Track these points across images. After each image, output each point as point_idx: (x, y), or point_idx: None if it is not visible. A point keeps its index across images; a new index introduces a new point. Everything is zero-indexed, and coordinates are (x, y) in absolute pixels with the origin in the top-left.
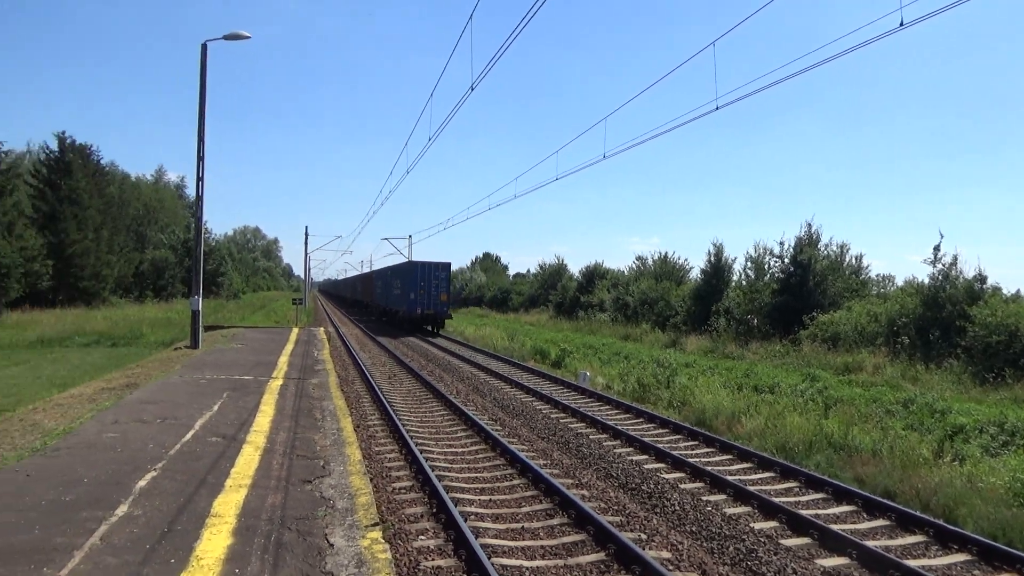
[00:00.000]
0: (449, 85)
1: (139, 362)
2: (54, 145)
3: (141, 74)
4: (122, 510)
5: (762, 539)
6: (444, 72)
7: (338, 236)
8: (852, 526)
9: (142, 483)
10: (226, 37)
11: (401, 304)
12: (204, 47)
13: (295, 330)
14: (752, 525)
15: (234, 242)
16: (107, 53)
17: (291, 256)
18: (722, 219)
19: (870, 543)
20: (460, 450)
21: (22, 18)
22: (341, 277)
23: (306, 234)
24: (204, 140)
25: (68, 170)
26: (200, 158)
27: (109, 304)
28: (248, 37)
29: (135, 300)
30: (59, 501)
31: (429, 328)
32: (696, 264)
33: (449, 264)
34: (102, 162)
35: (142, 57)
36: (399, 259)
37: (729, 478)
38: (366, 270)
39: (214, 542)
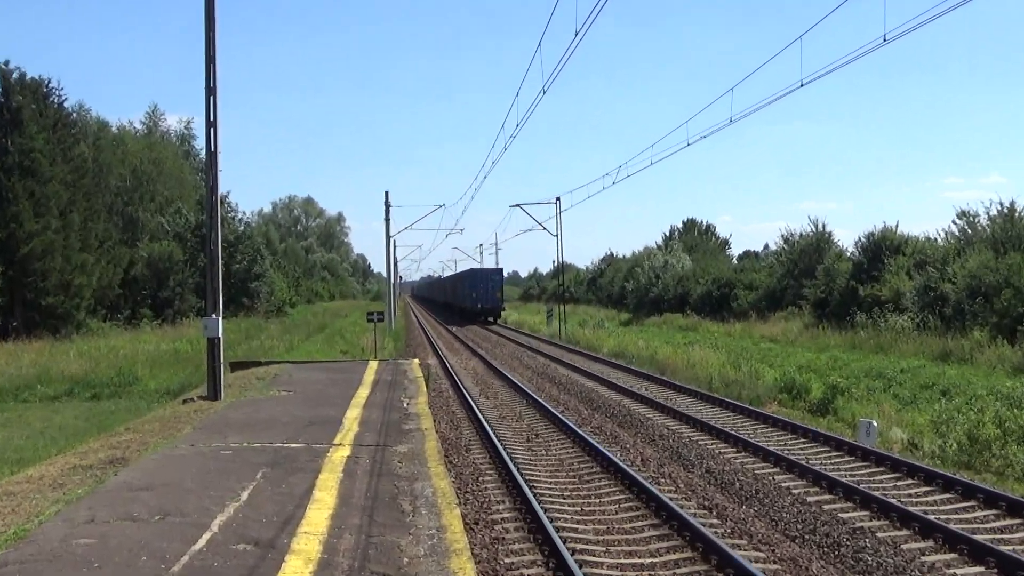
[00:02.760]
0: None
1: (130, 423)
2: None
3: None
4: None
5: None
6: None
7: (439, 206)
8: None
9: None
10: None
11: (466, 301)
12: None
13: (372, 364)
14: None
15: (274, 222)
16: None
17: (365, 243)
18: None
19: None
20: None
21: None
22: (446, 273)
23: (387, 204)
24: (215, 59)
25: (16, 121)
26: (210, 89)
27: (87, 331)
28: None
29: (125, 324)
30: None
31: (489, 320)
32: None
33: (501, 269)
34: (66, 105)
35: None
36: (540, 238)
37: None
38: (486, 258)
39: None
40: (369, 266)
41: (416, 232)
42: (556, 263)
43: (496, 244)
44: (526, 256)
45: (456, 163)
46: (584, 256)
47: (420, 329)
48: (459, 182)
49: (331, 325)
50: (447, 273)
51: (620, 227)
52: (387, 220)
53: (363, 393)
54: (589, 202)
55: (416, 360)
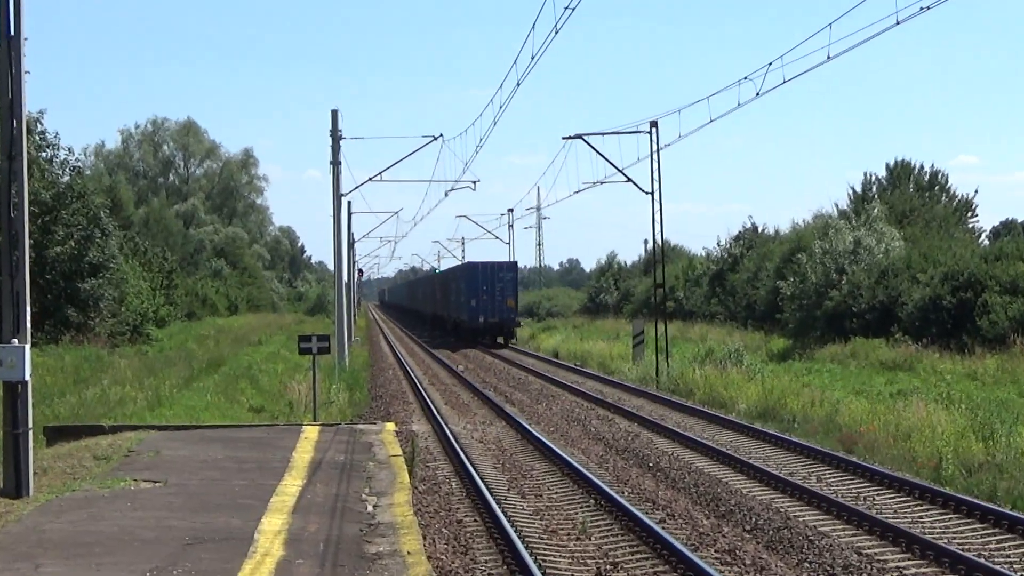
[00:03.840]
0: None
1: None
2: None
3: None
4: None
5: None
6: None
7: (432, 138)
8: None
9: None
10: None
11: (461, 312)
12: None
13: (310, 432)
14: None
15: (126, 168)
16: None
17: (298, 211)
18: None
19: None
20: None
21: None
22: (444, 265)
23: (334, 133)
24: None
25: None
26: None
27: None
28: None
29: None
30: None
31: (499, 340)
32: None
33: (515, 263)
34: None
35: None
36: (614, 201)
37: None
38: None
39: None
40: (302, 250)
41: (392, 190)
42: (650, 245)
43: (538, 209)
44: (591, 233)
45: (455, 73)
46: (686, 232)
47: (396, 363)
48: (463, 107)
49: (233, 359)
50: (446, 265)
51: (747, 181)
52: (335, 164)
53: (292, 486)
54: (696, 141)
55: (390, 425)
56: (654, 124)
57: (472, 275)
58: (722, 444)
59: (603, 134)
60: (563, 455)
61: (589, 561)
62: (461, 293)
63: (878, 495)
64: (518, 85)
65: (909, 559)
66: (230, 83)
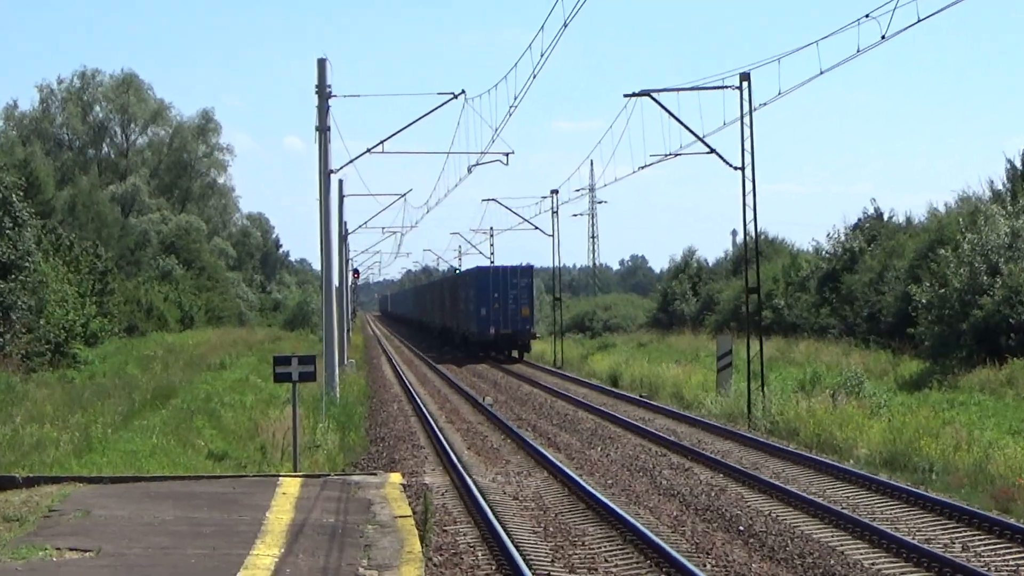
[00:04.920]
0: None
1: None
2: None
3: None
4: None
5: None
6: None
7: (454, 95)
8: None
9: None
10: None
11: (469, 323)
12: None
13: (288, 486)
14: None
15: (44, 136)
16: None
17: (271, 193)
18: None
19: None
20: None
21: None
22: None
23: (321, 86)
24: None
25: None
26: None
27: None
28: None
29: None
30: None
31: (513, 354)
32: None
33: (531, 267)
34: None
35: None
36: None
37: None
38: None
39: None
40: (278, 245)
41: (397, 166)
42: (741, 237)
43: (592, 191)
44: (661, 222)
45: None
46: (788, 220)
47: (403, 392)
48: (492, 55)
49: (187, 389)
50: (471, 264)
51: (869, 154)
52: (322, 131)
53: (266, 556)
54: (800, 100)
55: (395, 476)
56: (745, 77)
57: (482, 281)
58: (836, 501)
59: (678, 90)
60: (625, 516)
61: None
62: (470, 301)
63: None
64: (565, 26)
65: None
66: (182, 25)
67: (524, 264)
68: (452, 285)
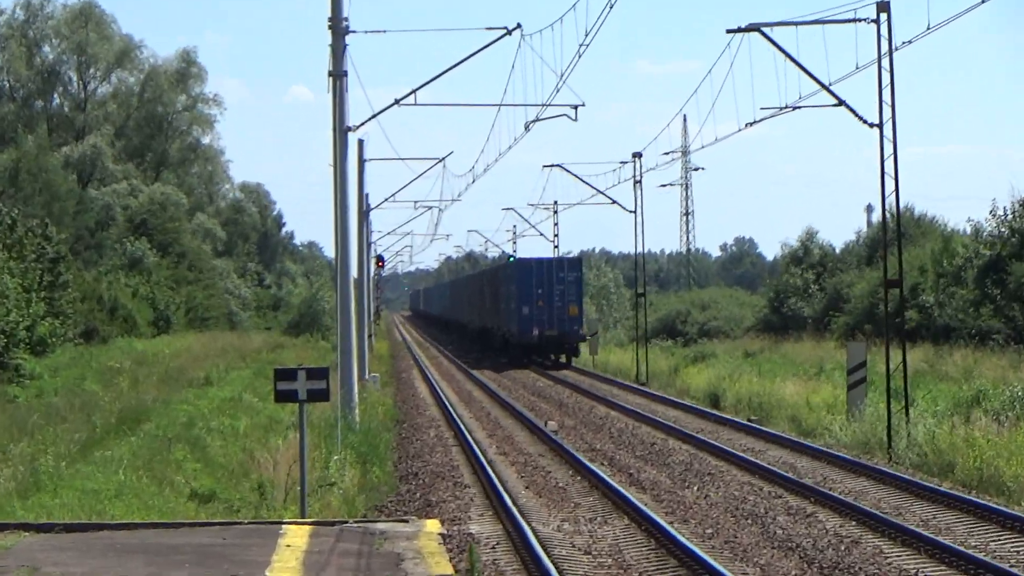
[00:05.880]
0: None
1: None
2: None
3: None
4: None
5: None
6: None
7: (507, 31)
8: None
9: None
10: None
11: (510, 323)
12: None
13: (294, 536)
14: None
15: None
16: None
17: (277, 164)
18: None
19: None
20: None
21: None
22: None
23: (335, 6)
24: None
25: None
26: None
27: None
28: None
29: None
30: None
31: (561, 359)
32: None
33: (580, 260)
34: None
35: None
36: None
37: None
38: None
39: None
40: (280, 224)
41: (433, 121)
42: (877, 215)
43: (685, 154)
44: (773, 197)
45: None
46: (939, 192)
47: (441, 414)
48: None
49: (163, 411)
50: (526, 251)
51: None
52: (336, 77)
53: None
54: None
55: (431, 524)
56: (884, 7)
57: (524, 275)
58: (1003, 558)
59: (797, 24)
60: None
61: None
62: (511, 298)
63: None
64: None
65: None
66: None
67: (572, 257)
68: (491, 280)
